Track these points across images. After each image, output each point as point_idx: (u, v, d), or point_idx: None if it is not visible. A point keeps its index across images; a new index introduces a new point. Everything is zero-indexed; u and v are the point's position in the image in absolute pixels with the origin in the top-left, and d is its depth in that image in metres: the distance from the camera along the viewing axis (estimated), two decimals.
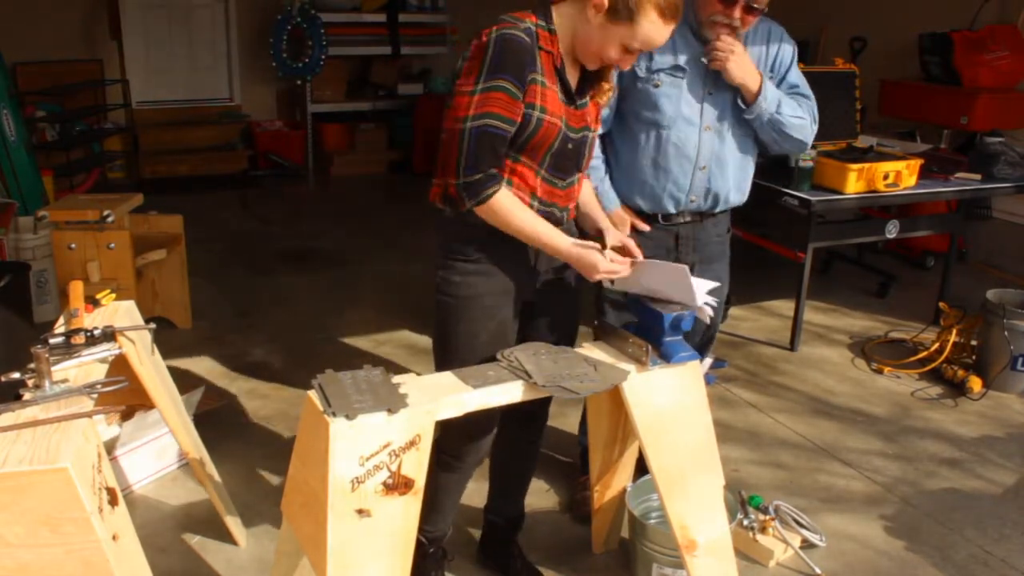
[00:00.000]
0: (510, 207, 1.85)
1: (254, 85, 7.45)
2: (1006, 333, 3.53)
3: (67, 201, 3.82)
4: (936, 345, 3.79)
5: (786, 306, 4.36)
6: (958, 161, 4.37)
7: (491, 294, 1.97)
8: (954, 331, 3.75)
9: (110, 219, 3.45)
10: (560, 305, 2.12)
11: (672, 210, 2.46)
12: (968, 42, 5.59)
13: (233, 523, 2.46)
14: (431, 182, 1.97)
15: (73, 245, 3.41)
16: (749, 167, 2.52)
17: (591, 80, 1.95)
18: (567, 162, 1.94)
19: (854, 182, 3.70)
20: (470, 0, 6.99)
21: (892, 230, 4.01)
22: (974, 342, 3.79)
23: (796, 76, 2.48)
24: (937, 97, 5.75)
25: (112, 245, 3.43)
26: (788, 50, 2.45)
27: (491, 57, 1.77)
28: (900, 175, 3.77)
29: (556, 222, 1.96)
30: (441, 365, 2.01)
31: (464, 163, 1.80)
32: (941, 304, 3.94)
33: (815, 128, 2.46)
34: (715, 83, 2.34)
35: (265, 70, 7.15)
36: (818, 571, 2.44)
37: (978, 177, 4.07)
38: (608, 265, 1.89)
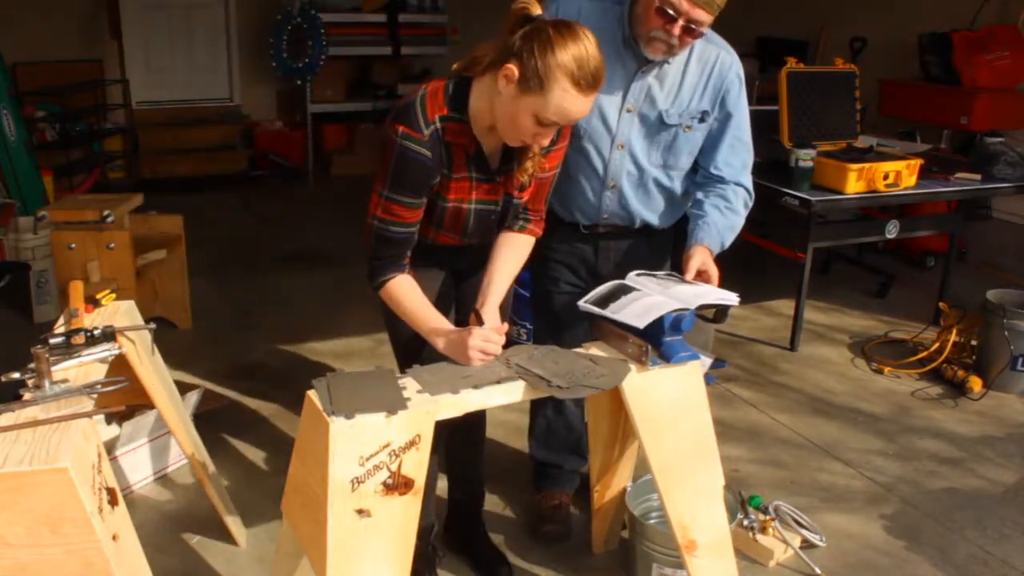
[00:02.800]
0: (399, 297, 1.91)
1: (254, 85, 7.45)
2: (1006, 333, 3.52)
3: (67, 201, 3.82)
4: (936, 345, 3.79)
5: (786, 306, 4.36)
6: (958, 161, 4.38)
7: (420, 267, 1.99)
8: (954, 331, 3.75)
9: (110, 219, 3.45)
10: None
11: (585, 221, 2.34)
12: (968, 42, 5.59)
13: (233, 523, 2.46)
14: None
15: (73, 245, 3.41)
16: (670, 195, 2.33)
17: (512, 156, 1.89)
18: (489, 229, 2.00)
19: (854, 182, 3.70)
20: (470, 0, 7.00)
21: (892, 230, 4.01)
22: (974, 342, 3.79)
23: (739, 120, 2.25)
24: (937, 97, 5.76)
25: (112, 245, 3.43)
26: (735, 85, 2.22)
27: (393, 171, 1.80)
28: (900, 175, 3.77)
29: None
30: (397, 357, 2.15)
31: (372, 251, 1.90)
32: (941, 304, 3.94)
33: (751, 204, 2.30)
34: (637, 101, 2.18)
35: (265, 70, 7.15)
36: (818, 571, 2.44)
37: (978, 177, 4.07)
38: (479, 344, 1.81)
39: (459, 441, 2.36)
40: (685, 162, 2.29)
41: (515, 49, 1.70)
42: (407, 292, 1.91)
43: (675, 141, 2.24)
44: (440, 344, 1.86)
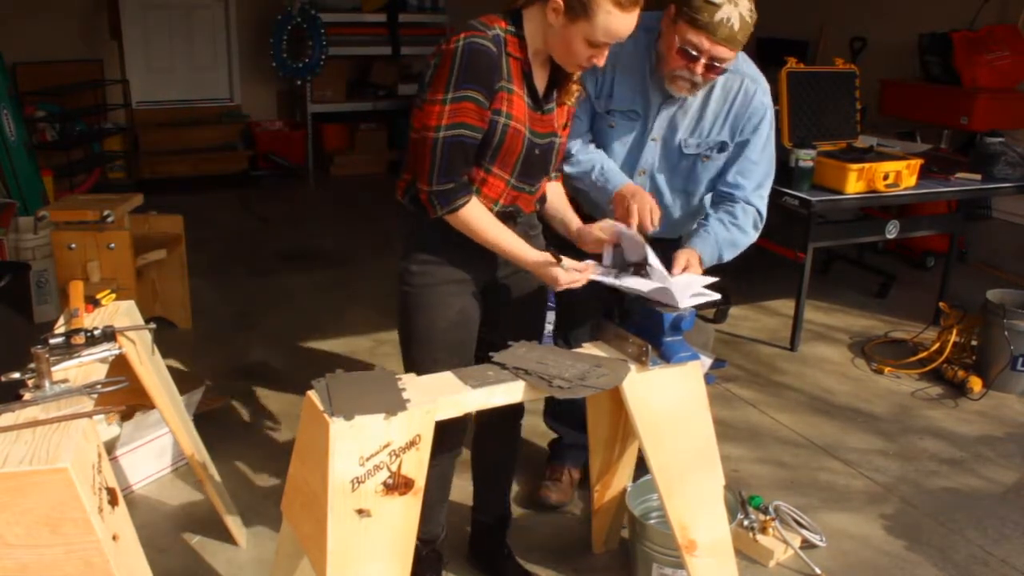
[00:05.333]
0: (478, 218, 1.89)
1: (254, 85, 7.44)
2: (1006, 333, 3.52)
3: (67, 201, 3.81)
4: (936, 345, 3.79)
5: (786, 306, 4.36)
6: (958, 161, 4.38)
7: (449, 282, 1.99)
8: (954, 331, 3.75)
9: (110, 219, 3.45)
10: (525, 295, 2.14)
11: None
12: (968, 42, 5.59)
13: (233, 523, 2.46)
14: (399, 176, 2.01)
15: (73, 245, 3.41)
16: (686, 212, 2.41)
17: (558, 84, 1.95)
18: (535, 168, 1.99)
19: (854, 182, 3.70)
20: (470, 0, 7.00)
21: (892, 230, 4.01)
22: (974, 342, 3.79)
23: (756, 144, 2.26)
24: (937, 97, 5.75)
25: (112, 245, 3.43)
26: (758, 112, 2.24)
27: (459, 67, 1.78)
28: (900, 175, 3.77)
29: (512, 218, 2.01)
30: (405, 356, 2.05)
31: (437, 172, 1.83)
32: (941, 304, 3.94)
33: (761, 226, 2.32)
34: (661, 130, 2.27)
35: (265, 70, 7.14)
36: (818, 571, 2.44)
37: (978, 177, 4.07)
38: (567, 276, 1.88)
39: (489, 466, 2.37)
40: (704, 188, 2.35)
41: None
42: (485, 215, 1.90)
43: (694, 169, 2.30)
44: (527, 256, 1.90)
